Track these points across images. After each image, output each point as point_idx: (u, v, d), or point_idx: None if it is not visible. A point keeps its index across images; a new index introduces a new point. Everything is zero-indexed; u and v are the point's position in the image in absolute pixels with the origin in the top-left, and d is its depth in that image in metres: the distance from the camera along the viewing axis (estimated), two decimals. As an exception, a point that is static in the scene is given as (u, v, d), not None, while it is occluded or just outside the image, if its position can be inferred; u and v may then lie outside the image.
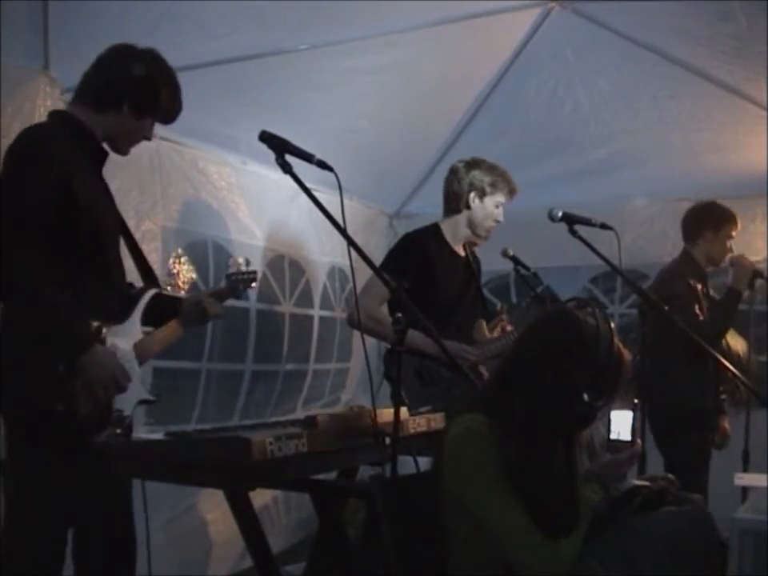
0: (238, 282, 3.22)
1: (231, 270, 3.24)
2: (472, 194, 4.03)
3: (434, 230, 4.11)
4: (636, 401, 2.51)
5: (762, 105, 4.77)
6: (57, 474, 2.65)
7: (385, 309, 3.87)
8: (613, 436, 2.49)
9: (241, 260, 3.26)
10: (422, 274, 3.82)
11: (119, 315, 2.87)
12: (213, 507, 4.41)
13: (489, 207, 4.04)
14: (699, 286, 4.51)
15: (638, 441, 2.48)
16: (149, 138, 3.02)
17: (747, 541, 2.55)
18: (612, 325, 2.41)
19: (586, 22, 4.67)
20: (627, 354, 2.45)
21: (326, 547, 3.23)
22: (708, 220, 4.63)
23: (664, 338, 4.03)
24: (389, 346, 3.85)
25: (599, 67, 4.97)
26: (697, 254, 4.63)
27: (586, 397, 2.33)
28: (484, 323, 4.19)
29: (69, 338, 2.63)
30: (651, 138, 5.31)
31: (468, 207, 4.05)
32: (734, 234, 4.62)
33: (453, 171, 4.13)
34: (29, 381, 2.61)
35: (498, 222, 4.10)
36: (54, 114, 2.92)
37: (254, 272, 3.26)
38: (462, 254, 4.17)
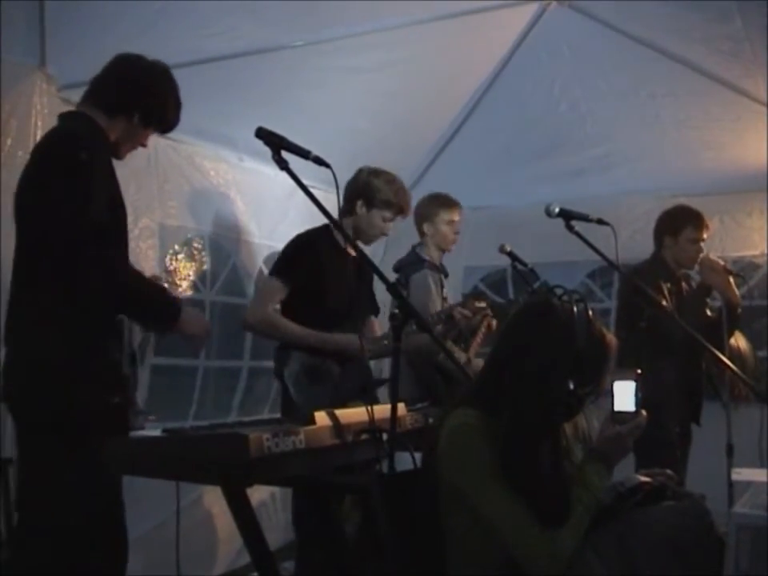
0: None
1: None
2: (360, 201, 4.01)
3: (324, 231, 4.00)
4: (639, 371, 2.47)
5: (761, 101, 4.77)
6: (84, 469, 2.64)
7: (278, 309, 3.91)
8: (617, 408, 2.44)
9: None
10: (313, 273, 3.82)
11: None
12: (209, 505, 4.41)
13: (374, 219, 4.03)
14: (669, 285, 4.51)
15: (642, 411, 2.45)
16: (145, 146, 3.08)
17: (744, 536, 2.55)
18: (590, 311, 2.40)
19: (582, 18, 4.68)
20: (611, 339, 2.44)
21: (324, 543, 3.24)
22: (666, 226, 4.69)
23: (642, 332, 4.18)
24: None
25: (596, 64, 4.97)
26: (666, 256, 4.68)
27: (571, 385, 2.33)
28: (374, 321, 4.23)
29: (169, 304, 2.81)
30: (648, 134, 5.32)
31: (354, 213, 4.03)
32: (698, 236, 4.61)
33: (354, 174, 4.10)
34: (86, 374, 2.65)
35: (384, 234, 4.14)
36: (75, 117, 2.93)
37: None
38: (353, 253, 4.15)
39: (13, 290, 2.77)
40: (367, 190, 4.00)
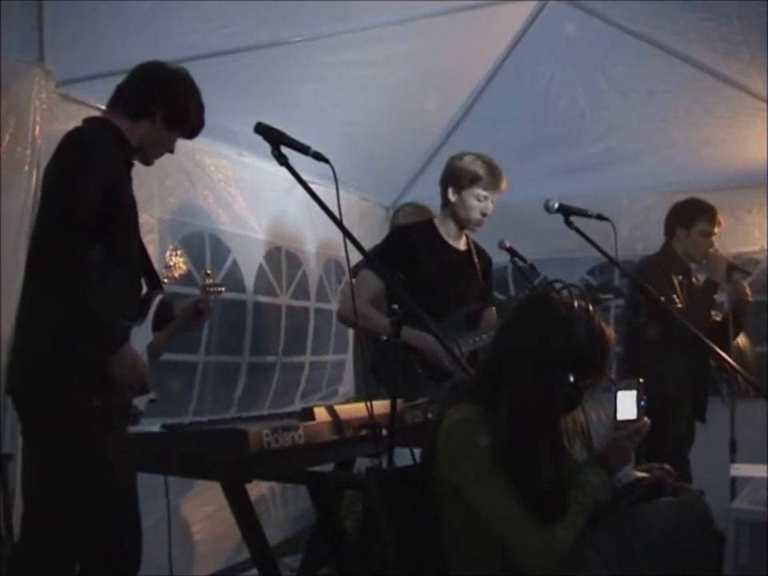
0: (210, 294, 3.30)
1: (206, 282, 3.32)
2: (450, 189, 3.96)
3: (427, 225, 4.06)
4: (641, 380, 2.49)
5: (761, 97, 4.76)
6: (80, 463, 2.70)
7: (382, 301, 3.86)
8: (620, 417, 2.47)
9: (210, 272, 3.38)
10: (408, 266, 3.74)
11: (138, 316, 2.96)
12: (209, 500, 4.41)
13: (468, 200, 3.93)
14: (680, 278, 4.50)
15: (645, 418, 2.44)
16: (172, 151, 3.13)
17: (744, 531, 2.54)
18: (590, 305, 2.41)
19: (582, 15, 4.67)
20: (610, 332, 2.45)
21: (324, 539, 3.24)
22: (679, 218, 4.64)
23: (642, 327, 4.22)
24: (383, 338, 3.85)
25: (595, 60, 4.97)
26: (677, 248, 4.64)
27: (571, 378, 2.35)
28: (494, 311, 4.18)
29: (105, 336, 2.72)
30: (648, 130, 5.32)
31: (449, 203, 3.99)
32: (710, 230, 4.57)
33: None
34: (70, 375, 2.69)
35: (484, 215, 3.97)
36: (94, 121, 3.00)
37: (221, 285, 3.38)
38: (462, 248, 4.09)
39: (23, 283, 2.86)
40: (454, 175, 3.96)
